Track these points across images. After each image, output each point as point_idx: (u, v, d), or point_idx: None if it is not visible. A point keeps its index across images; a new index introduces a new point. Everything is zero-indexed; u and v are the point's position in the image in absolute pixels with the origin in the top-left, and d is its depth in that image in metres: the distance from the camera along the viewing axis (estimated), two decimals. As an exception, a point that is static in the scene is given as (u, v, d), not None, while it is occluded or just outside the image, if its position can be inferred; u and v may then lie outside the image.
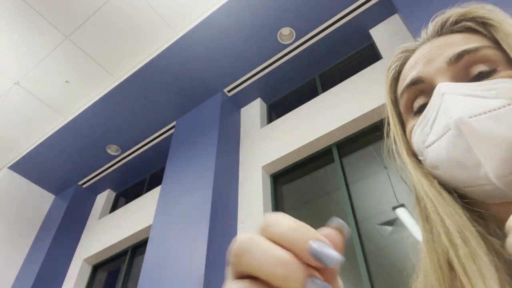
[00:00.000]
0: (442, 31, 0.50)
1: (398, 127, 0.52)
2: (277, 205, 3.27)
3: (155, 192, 4.22)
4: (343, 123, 3.09)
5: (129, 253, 4.17)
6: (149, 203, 4.16)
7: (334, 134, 3.15)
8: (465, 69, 0.44)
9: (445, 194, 0.43)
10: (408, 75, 0.48)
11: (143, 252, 3.38)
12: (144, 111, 4.35)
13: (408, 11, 2.96)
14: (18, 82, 4.24)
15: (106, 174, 5.05)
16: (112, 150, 4.78)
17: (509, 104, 0.40)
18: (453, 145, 0.40)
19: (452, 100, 0.41)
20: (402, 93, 0.49)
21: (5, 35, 3.86)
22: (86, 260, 4.43)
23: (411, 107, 0.49)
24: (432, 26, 0.51)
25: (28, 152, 4.76)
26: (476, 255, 0.36)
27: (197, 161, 3.56)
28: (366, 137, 3.07)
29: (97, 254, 4.35)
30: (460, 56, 0.44)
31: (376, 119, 3.06)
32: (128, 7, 3.64)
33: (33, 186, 5.08)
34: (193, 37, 3.71)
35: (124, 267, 4.08)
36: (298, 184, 3.39)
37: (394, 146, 0.52)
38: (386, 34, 3.43)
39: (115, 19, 3.75)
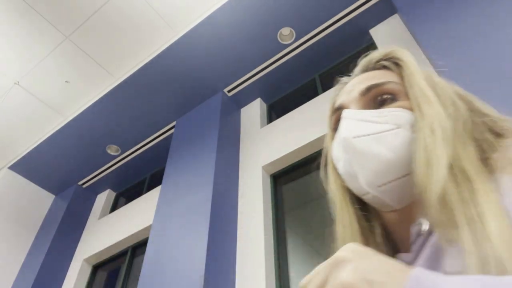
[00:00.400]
0: (367, 68, 0.61)
1: (330, 145, 0.61)
2: (277, 205, 3.27)
3: (155, 192, 4.22)
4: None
5: (129, 253, 4.17)
6: (149, 203, 4.16)
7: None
8: (373, 99, 0.54)
9: (349, 205, 0.54)
10: (335, 103, 0.60)
11: (143, 252, 3.38)
12: (144, 111, 4.35)
13: (408, 11, 2.96)
14: (18, 82, 4.24)
15: (106, 174, 5.05)
16: (112, 150, 4.78)
17: (392, 129, 0.48)
18: (345, 160, 0.50)
19: (345, 124, 0.51)
20: (329, 117, 0.61)
21: (5, 35, 3.86)
22: (86, 260, 4.43)
23: (335, 128, 0.58)
24: (360, 64, 0.63)
25: (28, 152, 4.76)
26: None
27: (197, 161, 3.56)
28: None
29: (97, 254, 4.35)
30: (369, 89, 0.54)
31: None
32: (128, 7, 3.64)
33: (33, 186, 5.08)
34: (193, 37, 3.71)
35: (124, 267, 4.08)
36: (298, 184, 3.39)
37: (325, 160, 0.63)
38: (386, 34, 3.43)
39: (115, 19, 3.75)
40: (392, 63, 0.59)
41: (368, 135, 0.48)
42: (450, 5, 2.62)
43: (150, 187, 4.68)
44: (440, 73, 2.54)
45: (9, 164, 4.91)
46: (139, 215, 4.21)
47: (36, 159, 4.82)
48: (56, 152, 4.75)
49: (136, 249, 4.21)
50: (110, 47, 3.98)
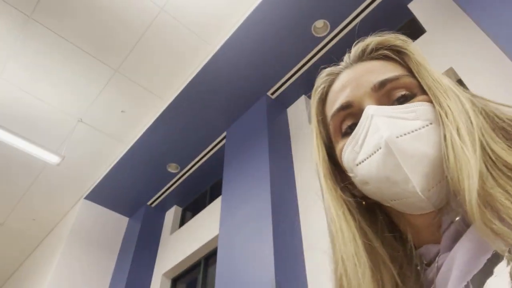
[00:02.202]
0: (363, 57, 0.55)
1: (321, 149, 0.55)
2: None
3: (218, 203, 4.35)
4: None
5: (202, 264, 4.35)
6: (214, 214, 4.30)
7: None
8: (388, 95, 0.49)
9: (349, 218, 0.49)
10: (337, 99, 0.53)
11: (216, 261, 3.51)
12: (195, 126, 4.52)
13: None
14: (81, 119, 4.63)
15: (171, 192, 5.31)
16: (172, 168, 5.03)
17: (427, 125, 0.44)
18: (383, 163, 0.44)
19: (381, 121, 0.45)
20: (332, 116, 0.53)
21: (62, 78, 4.24)
22: (164, 274, 4.69)
23: (340, 128, 0.52)
24: (354, 51, 0.56)
25: (99, 182, 5.16)
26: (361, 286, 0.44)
27: (252, 167, 3.62)
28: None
29: (173, 268, 4.59)
30: (383, 84, 0.49)
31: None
32: (165, 31, 3.83)
33: (108, 212, 5.50)
34: (229, 47, 3.79)
35: (200, 277, 4.26)
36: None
37: (316, 168, 0.56)
38: (426, 6, 3.24)
39: (155, 45, 3.96)
40: (394, 52, 0.53)
41: (408, 133, 0.43)
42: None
43: (212, 198, 4.84)
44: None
45: (85, 195, 5.36)
46: (206, 226, 4.37)
47: (107, 187, 5.21)
48: (123, 177, 5.10)
49: (208, 259, 4.38)
50: (155, 72, 4.20)
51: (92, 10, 3.69)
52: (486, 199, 0.36)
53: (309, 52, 3.84)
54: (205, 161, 4.86)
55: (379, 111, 0.46)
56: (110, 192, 5.29)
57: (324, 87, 0.58)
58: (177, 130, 4.56)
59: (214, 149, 4.74)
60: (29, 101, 4.40)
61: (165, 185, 5.26)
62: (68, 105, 4.48)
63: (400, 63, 0.52)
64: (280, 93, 4.17)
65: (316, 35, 3.69)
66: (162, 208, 5.57)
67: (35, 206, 5.63)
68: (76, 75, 4.21)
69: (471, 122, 0.42)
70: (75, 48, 3.96)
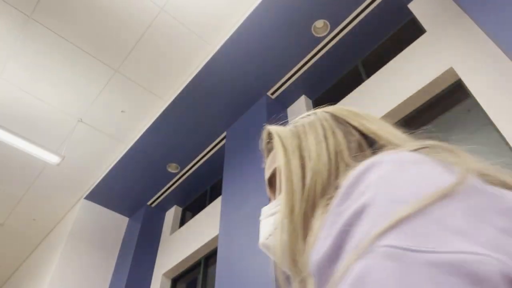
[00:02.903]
0: (265, 152, 0.62)
1: None
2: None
3: (217, 203, 4.35)
4: (393, 106, 2.97)
5: (202, 264, 4.34)
6: (214, 214, 4.30)
7: (386, 118, 3.03)
8: (276, 185, 0.55)
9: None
10: None
11: (216, 261, 3.51)
12: (195, 126, 4.52)
13: (446, -23, 2.78)
14: (81, 119, 4.63)
15: (171, 192, 5.31)
16: (172, 168, 5.03)
17: None
18: None
19: (261, 226, 0.54)
20: None
21: (62, 78, 4.24)
22: (164, 274, 4.69)
23: None
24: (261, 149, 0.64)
25: (100, 182, 5.16)
26: None
27: (252, 167, 3.62)
28: (420, 116, 2.92)
29: (173, 268, 4.58)
30: (270, 182, 0.57)
31: (428, 95, 2.91)
32: (165, 32, 3.82)
33: (108, 212, 5.49)
34: (229, 48, 3.79)
35: (200, 277, 4.26)
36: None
37: None
38: (426, 6, 3.24)
39: (155, 46, 3.95)
40: (270, 144, 0.59)
41: (275, 229, 0.49)
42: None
43: (212, 198, 4.84)
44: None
45: (85, 195, 5.36)
46: (206, 226, 4.37)
47: (107, 187, 5.21)
48: (123, 177, 5.10)
49: (208, 258, 4.38)
50: (155, 72, 4.20)
51: (92, 10, 3.69)
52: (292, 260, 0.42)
53: (309, 52, 3.84)
54: (205, 161, 4.86)
55: (262, 215, 0.54)
56: (110, 192, 5.29)
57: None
58: (177, 130, 4.56)
59: (214, 149, 4.73)
60: (29, 101, 4.40)
61: (165, 185, 5.26)
62: (68, 105, 4.48)
63: None
64: (280, 93, 4.17)
65: (316, 35, 3.69)
66: (162, 208, 5.57)
67: (35, 206, 5.63)
68: (76, 75, 4.21)
69: (287, 212, 0.45)
70: (75, 48, 3.96)
